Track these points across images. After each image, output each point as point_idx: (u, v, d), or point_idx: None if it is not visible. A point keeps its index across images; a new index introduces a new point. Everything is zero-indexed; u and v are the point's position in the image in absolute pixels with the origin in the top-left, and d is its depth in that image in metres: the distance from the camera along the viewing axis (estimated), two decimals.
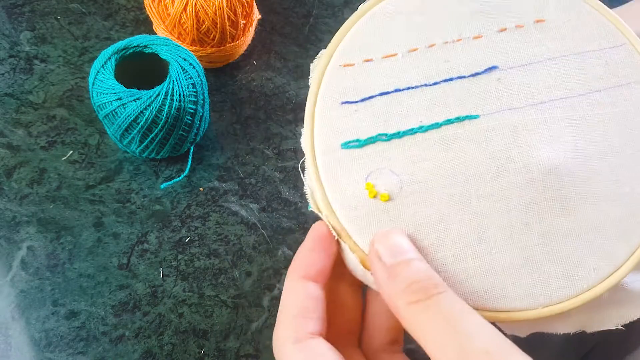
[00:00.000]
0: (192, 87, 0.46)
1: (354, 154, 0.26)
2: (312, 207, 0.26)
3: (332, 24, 0.64)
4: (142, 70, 0.48)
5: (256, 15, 0.58)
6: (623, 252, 0.25)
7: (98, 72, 0.45)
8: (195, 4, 0.50)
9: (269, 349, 0.42)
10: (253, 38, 0.59)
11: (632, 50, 0.28)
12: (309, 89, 0.28)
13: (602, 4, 0.29)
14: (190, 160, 0.50)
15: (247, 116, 0.55)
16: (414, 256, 0.22)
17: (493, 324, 0.21)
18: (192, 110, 0.47)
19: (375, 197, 0.25)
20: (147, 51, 0.47)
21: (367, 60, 0.28)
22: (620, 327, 0.26)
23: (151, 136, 0.46)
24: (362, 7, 0.29)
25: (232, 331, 0.43)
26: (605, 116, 0.26)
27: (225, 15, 0.52)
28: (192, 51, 0.53)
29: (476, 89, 0.26)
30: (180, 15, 0.51)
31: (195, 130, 0.49)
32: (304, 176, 0.27)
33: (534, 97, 0.26)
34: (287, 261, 0.47)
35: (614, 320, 0.26)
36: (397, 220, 0.24)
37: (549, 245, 0.24)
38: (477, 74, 0.27)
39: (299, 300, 0.23)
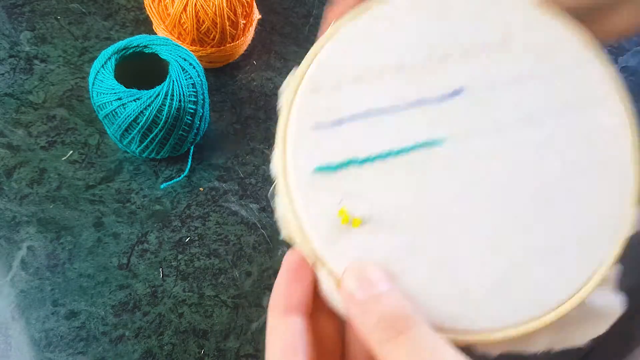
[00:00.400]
0: (192, 87, 0.46)
1: (326, 178, 0.26)
2: (284, 236, 0.26)
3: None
4: (142, 70, 0.48)
5: (256, 15, 0.58)
6: (585, 272, 0.26)
7: (98, 72, 0.45)
8: (195, 4, 0.50)
9: None
10: (253, 38, 0.59)
11: (599, 69, 0.29)
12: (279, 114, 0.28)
13: (569, 18, 0.29)
14: (190, 160, 0.50)
15: (247, 116, 0.55)
16: (384, 289, 0.22)
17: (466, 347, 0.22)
18: (192, 110, 0.47)
19: (348, 222, 0.25)
20: (147, 51, 0.47)
21: (337, 85, 0.28)
22: (584, 344, 0.27)
23: (151, 136, 0.46)
24: (330, 28, 0.29)
25: (232, 331, 0.43)
26: (570, 138, 0.27)
27: (225, 15, 0.52)
28: (192, 51, 0.53)
29: (444, 112, 0.27)
30: (180, 15, 0.51)
31: (195, 130, 0.49)
32: (274, 204, 0.27)
33: (499, 121, 0.27)
34: None
35: (577, 338, 0.27)
36: (370, 246, 0.25)
37: (516, 267, 0.25)
38: (445, 96, 0.27)
39: (284, 340, 0.23)
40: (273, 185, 0.26)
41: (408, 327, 0.20)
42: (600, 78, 0.28)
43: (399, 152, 0.26)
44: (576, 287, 0.25)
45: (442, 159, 0.26)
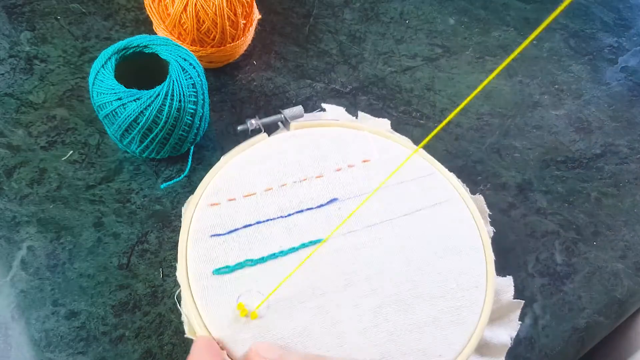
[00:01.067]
0: (192, 87, 0.46)
1: (224, 279, 0.30)
2: (188, 334, 0.29)
3: (332, 24, 0.64)
4: (142, 70, 0.48)
5: (256, 15, 0.58)
6: (461, 338, 0.29)
7: (98, 72, 0.45)
8: (195, 4, 0.50)
9: None
10: (253, 38, 0.59)
11: (440, 176, 0.36)
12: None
13: (413, 144, 0.38)
14: (190, 160, 0.50)
15: (247, 116, 0.55)
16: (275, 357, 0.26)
17: None
18: (192, 110, 0.47)
19: (246, 315, 0.28)
20: (147, 51, 0.47)
21: (231, 200, 0.33)
22: None
23: (151, 136, 0.46)
24: (222, 158, 0.36)
25: None
26: (426, 229, 0.33)
27: (225, 15, 0.52)
28: (192, 51, 0.53)
29: (322, 217, 0.32)
30: (180, 15, 0.51)
31: (195, 130, 0.49)
32: (180, 306, 0.31)
33: (368, 220, 0.33)
34: None
35: None
36: (267, 335, 0.28)
37: (398, 341, 0.29)
38: (321, 205, 0.33)
39: None
40: (178, 290, 0.30)
41: None
42: (442, 184, 0.35)
43: (287, 252, 0.31)
44: (455, 353, 0.29)
45: (324, 255, 0.31)
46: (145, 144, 0.47)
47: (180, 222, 0.47)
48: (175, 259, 0.46)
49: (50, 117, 0.52)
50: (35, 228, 0.45)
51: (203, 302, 0.29)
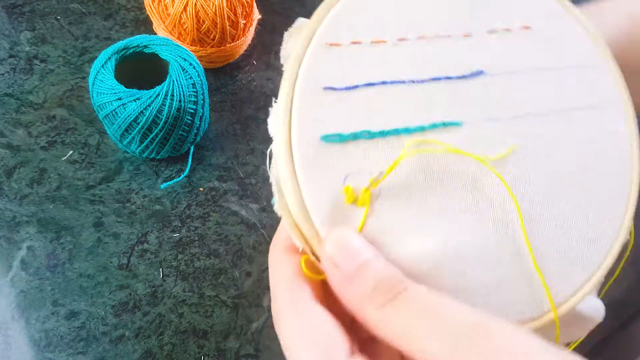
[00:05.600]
0: (192, 87, 0.46)
1: (333, 149, 0.24)
2: (278, 207, 0.23)
3: None
4: (142, 70, 0.48)
5: (256, 15, 0.58)
6: (580, 277, 0.25)
7: (98, 72, 0.45)
8: (195, 4, 0.50)
9: (269, 349, 0.42)
10: (253, 38, 0.59)
11: (608, 71, 0.29)
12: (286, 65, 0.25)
13: (586, 18, 0.29)
14: (190, 160, 0.50)
15: (247, 116, 0.55)
16: (371, 256, 0.20)
17: None
18: (192, 110, 0.47)
19: (353, 202, 0.23)
20: (147, 51, 0.47)
21: (355, 43, 0.25)
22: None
23: (151, 136, 0.46)
24: None
25: (232, 331, 0.43)
26: (577, 137, 0.27)
27: (225, 15, 0.52)
28: (192, 51, 0.53)
29: (462, 93, 0.26)
30: (180, 15, 0.51)
31: (195, 130, 0.49)
32: (270, 167, 0.24)
33: (515, 109, 0.26)
34: None
35: (561, 339, 0.27)
36: (373, 228, 0.23)
37: (518, 267, 0.24)
38: (464, 76, 0.26)
39: (289, 270, 0.22)
40: (272, 146, 0.23)
41: (405, 288, 0.19)
42: (612, 83, 0.28)
43: (413, 131, 0.24)
44: (571, 292, 0.25)
45: (458, 142, 0.25)
46: (145, 144, 0.47)
47: (180, 222, 0.47)
48: (176, 258, 0.46)
49: (50, 117, 0.52)
50: (35, 228, 0.45)
51: (304, 172, 0.23)
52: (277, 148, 0.23)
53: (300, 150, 0.23)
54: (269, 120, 0.24)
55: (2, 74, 0.54)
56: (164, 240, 0.46)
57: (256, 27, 0.59)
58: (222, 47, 0.55)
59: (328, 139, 0.23)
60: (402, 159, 0.23)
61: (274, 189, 0.23)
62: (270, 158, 0.23)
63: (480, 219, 0.24)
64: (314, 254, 0.22)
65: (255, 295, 0.45)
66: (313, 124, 0.24)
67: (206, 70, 0.56)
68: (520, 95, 0.26)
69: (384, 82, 0.25)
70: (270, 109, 0.24)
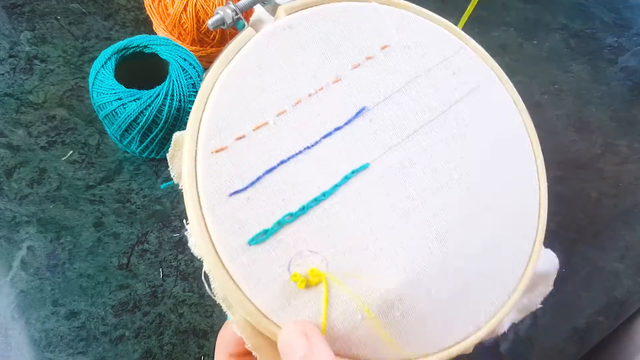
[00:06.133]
0: (192, 87, 0.46)
1: (265, 247, 0.23)
2: (234, 325, 0.22)
3: None
4: (142, 70, 0.48)
5: None
6: (528, 246, 0.26)
7: (98, 72, 0.45)
8: (195, 4, 0.50)
9: None
10: None
11: (470, 52, 0.29)
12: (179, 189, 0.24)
13: (431, 12, 0.29)
14: None
15: None
16: (302, 354, 0.20)
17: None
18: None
19: (306, 286, 0.23)
20: (147, 51, 0.47)
21: (239, 138, 0.24)
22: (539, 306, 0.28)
23: (151, 136, 0.46)
24: (204, 81, 0.26)
25: None
26: (471, 125, 0.27)
27: None
28: (192, 51, 0.53)
29: (355, 136, 0.25)
30: (180, 15, 0.51)
31: None
32: (211, 289, 0.23)
33: (407, 128, 0.26)
34: None
35: (533, 303, 0.27)
36: (336, 297, 0.23)
37: (469, 264, 0.25)
38: (350, 120, 0.26)
39: None
40: (204, 267, 0.23)
41: None
42: (478, 62, 0.28)
43: (329, 192, 0.24)
44: (524, 264, 0.26)
45: (371, 185, 0.25)
46: (145, 144, 0.47)
47: (180, 222, 0.47)
48: (176, 258, 0.46)
49: (50, 117, 0.52)
50: (35, 228, 0.45)
51: (248, 286, 0.22)
52: (211, 269, 0.22)
53: (235, 262, 0.22)
54: (189, 244, 0.23)
55: (2, 74, 0.54)
56: (164, 240, 0.46)
57: None
58: (222, 47, 0.55)
59: (255, 240, 0.23)
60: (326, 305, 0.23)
61: (224, 308, 0.23)
62: (208, 279, 0.23)
63: (427, 236, 0.25)
64: None
65: None
66: (234, 233, 0.23)
67: (206, 70, 0.56)
68: (405, 113, 0.26)
69: (282, 162, 0.24)
70: (185, 232, 0.23)
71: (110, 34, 0.59)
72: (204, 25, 0.52)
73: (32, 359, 0.40)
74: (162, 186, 0.49)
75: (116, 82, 0.45)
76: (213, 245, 0.23)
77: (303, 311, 0.22)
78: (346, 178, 0.25)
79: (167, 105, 0.44)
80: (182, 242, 0.47)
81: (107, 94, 0.44)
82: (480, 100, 0.28)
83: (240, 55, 0.26)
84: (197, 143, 0.24)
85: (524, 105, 0.29)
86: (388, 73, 0.27)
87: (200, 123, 0.25)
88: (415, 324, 0.24)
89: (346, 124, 0.26)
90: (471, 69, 0.28)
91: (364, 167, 0.25)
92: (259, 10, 0.27)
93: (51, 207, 0.47)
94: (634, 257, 0.52)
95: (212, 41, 0.54)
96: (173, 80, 0.45)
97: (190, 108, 0.47)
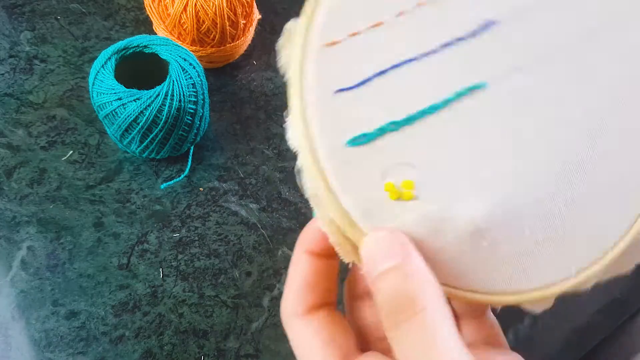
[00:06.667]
0: (192, 87, 0.46)
1: (363, 151, 0.22)
2: (320, 222, 0.22)
3: None
4: (142, 70, 0.48)
5: (256, 15, 0.58)
6: (637, 206, 0.24)
7: (98, 72, 0.45)
8: (195, 4, 0.50)
9: (269, 349, 0.42)
10: (253, 38, 0.59)
11: None
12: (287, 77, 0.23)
13: None
14: (190, 160, 0.50)
15: (247, 116, 0.55)
16: (394, 262, 0.19)
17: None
18: (192, 110, 0.47)
19: (398, 198, 0.22)
20: (147, 51, 0.47)
21: (353, 34, 0.23)
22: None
23: (151, 136, 0.46)
24: None
25: (232, 331, 0.43)
26: (606, 59, 0.24)
27: (225, 15, 0.52)
28: (192, 51, 0.53)
29: (478, 50, 0.23)
30: (180, 15, 0.51)
31: (195, 130, 0.49)
32: (302, 182, 0.23)
33: (537, 50, 0.24)
34: (287, 261, 0.47)
35: (625, 267, 0.25)
36: (425, 223, 0.22)
37: (572, 209, 0.23)
38: (475, 32, 0.24)
39: (303, 274, 0.22)
40: (298, 161, 0.22)
41: (415, 313, 0.18)
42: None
43: (439, 107, 0.23)
44: (630, 222, 0.23)
45: (488, 105, 0.23)
46: (145, 144, 0.47)
47: (180, 222, 0.47)
48: (176, 258, 0.46)
49: (50, 117, 0.52)
50: (35, 228, 0.45)
51: (339, 183, 0.22)
52: (305, 163, 0.22)
53: (330, 161, 0.22)
54: (288, 135, 0.23)
55: (2, 74, 0.54)
56: (164, 240, 0.46)
57: (256, 27, 0.59)
58: (222, 47, 0.55)
59: (354, 142, 0.23)
60: None
61: (312, 204, 0.22)
62: (300, 173, 0.23)
63: (536, 170, 0.23)
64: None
65: (255, 295, 0.45)
66: (335, 131, 0.23)
67: (206, 70, 0.56)
68: (537, 33, 0.24)
69: (394, 66, 0.23)
70: (284, 125, 0.23)
71: (110, 34, 0.59)
72: (204, 25, 0.52)
73: (32, 359, 0.40)
74: (162, 186, 0.49)
75: (116, 82, 0.45)
76: (311, 139, 0.22)
77: (389, 222, 0.22)
78: (459, 94, 0.23)
79: (167, 105, 0.44)
80: (182, 242, 0.47)
81: (107, 94, 0.44)
82: (625, 34, 0.24)
83: None
84: (309, 34, 0.24)
85: None
86: None
87: (315, 13, 0.24)
88: (501, 258, 0.22)
89: (470, 35, 0.24)
90: (630, 7, 0.25)
91: (481, 85, 0.23)
92: None
93: (51, 207, 0.47)
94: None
95: (212, 41, 0.54)
96: (173, 80, 0.45)
97: (191, 108, 0.47)
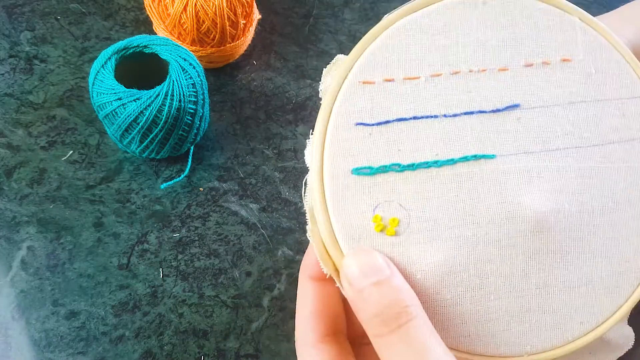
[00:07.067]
0: (192, 87, 0.46)
1: (363, 181, 0.25)
2: (310, 234, 0.24)
3: (332, 24, 0.64)
4: (142, 70, 0.48)
5: (256, 15, 0.58)
6: (608, 308, 0.25)
7: (98, 72, 0.45)
8: (195, 4, 0.50)
9: (269, 349, 0.42)
10: (253, 38, 0.59)
11: None
12: (320, 98, 0.26)
13: (629, 51, 0.29)
14: (190, 160, 0.50)
15: (247, 116, 0.55)
16: (383, 277, 0.20)
17: None
18: (192, 110, 0.47)
19: (381, 231, 0.24)
20: (147, 51, 0.47)
21: (388, 80, 0.26)
22: None
23: (151, 136, 0.46)
24: (385, 19, 0.27)
25: (232, 331, 0.43)
26: (615, 170, 0.26)
27: (225, 15, 0.52)
28: (192, 51, 0.53)
29: (495, 126, 0.26)
30: (180, 15, 0.51)
31: (195, 130, 0.49)
32: (305, 194, 0.25)
33: (550, 143, 0.26)
34: (287, 261, 0.47)
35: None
36: (401, 257, 0.23)
37: (544, 296, 0.25)
38: (498, 110, 0.26)
39: (310, 302, 0.23)
40: (306, 175, 0.25)
41: (405, 322, 0.19)
42: None
43: (443, 163, 0.25)
44: (597, 323, 0.25)
45: (488, 175, 0.25)
46: (145, 144, 0.47)
47: (180, 222, 0.47)
48: (176, 258, 0.46)
49: (50, 117, 0.52)
50: (35, 228, 0.45)
51: (335, 203, 0.24)
52: (311, 179, 0.24)
53: (332, 182, 0.24)
54: (306, 151, 0.25)
55: (2, 74, 0.54)
56: (164, 240, 0.46)
57: (256, 27, 0.59)
58: (222, 47, 0.55)
59: (358, 171, 0.24)
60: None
61: (307, 216, 0.25)
62: (305, 187, 0.25)
63: (511, 251, 0.24)
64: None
65: (255, 295, 0.45)
66: (345, 157, 0.25)
67: (206, 70, 0.56)
68: (555, 128, 0.26)
69: (415, 117, 0.25)
70: (307, 140, 0.25)
71: (110, 34, 0.59)
72: (204, 25, 0.52)
73: (32, 359, 0.40)
74: (162, 186, 0.49)
75: (116, 82, 0.45)
76: (323, 159, 0.25)
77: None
78: (466, 158, 0.25)
79: (167, 105, 0.44)
80: (182, 242, 0.47)
81: (107, 94, 0.44)
82: (632, 152, 0.27)
83: (425, 10, 0.27)
84: (351, 68, 0.26)
85: None
86: (556, 85, 0.27)
87: (363, 53, 0.26)
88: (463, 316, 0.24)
89: (493, 111, 0.26)
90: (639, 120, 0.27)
91: (490, 156, 0.25)
92: None
93: (51, 207, 0.47)
94: None
95: (212, 41, 0.54)
96: (173, 80, 0.45)
97: (191, 108, 0.47)
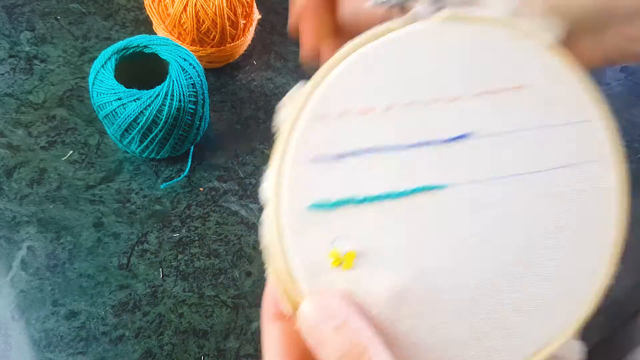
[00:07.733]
0: (192, 87, 0.46)
1: (320, 216, 0.25)
2: (268, 268, 0.25)
3: None
4: (142, 70, 0.48)
5: (256, 15, 0.58)
6: (558, 327, 0.26)
7: (98, 72, 0.45)
8: (195, 4, 0.50)
9: None
10: (253, 38, 0.59)
11: (598, 127, 0.29)
12: (278, 135, 0.26)
13: (583, 74, 0.29)
14: (190, 160, 0.50)
15: (247, 116, 0.55)
16: (341, 320, 0.21)
17: None
18: (192, 110, 0.47)
19: (339, 265, 0.24)
20: (147, 51, 0.47)
21: (343, 114, 0.27)
22: None
23: (151, 136, 0.46)
24: (341, 51, 0.27)
25: (232, 331, 0.43)
26: (560, 195, 0.28)
27: (225, 15, 0.52)
28: (192, 51, 0.53)
29: (447, 156, 0.27)
30: (180, 15, 0.51)
31: (195, 130, 0.49)
32: (261, 233, 0.26)
33: (500, 170, 0.27)
34: None
35: None
36: (358, 291, 0.24)
37: (493, 321, 0.26)
38: (450, 140, 0.27)
39: (276, 341, 0.23)
40: (263, 213, 0.25)
41: None
42: (603, 138, 0.29)
43: (398, 195, 0.26)
44: (550, 340, 0.26)
45: (441, 205, 0.26)
46: (145, 144, 0.47)
47: (180, 222, 0.47)
48: (176, 258, 0.46)
49: (50, 117, 0.52)
50: (35, 228, 0.45)
51: (291, 239, 0.24)
52: (267, 216, 0.25)
53: (288, 218, 0.25)
54: (262, 187, 0.26)
55: (2, 74, 0.54)
56: (164, 240, 0.46)
57: (256, 27, 0.59)
58: (222, 47, 0.55)
59: (315, 207, 0.25)
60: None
61: (265, 254, 0.25)
62: (262, 224, 0.25)
63: (460, 278, 0.25)
64: None
65: (255, 295, 0.45)
66: (301, 192, 0.25)
67: (206, 70, 0.56)
68: (505, 156, 0.27)
69: (369, 150, 0.26)
70: (264, 174, 0.25)
71: (110, 34, 0.59)
72: (204, 25, 0.52)
73: (32, 359, 0.40)
74: (162, 186, 0.49)
75: (116, 82, 0.45)
76: (279, 195, 0.25)
77: (324, 287, 0.24)
78: (417, 190, 0.26)
79: (167, 105, 0.44)
80: (182, 242, 0.47)
81: (107, 94, 0.44)
82: (584, 176, 0.28)
83: (383, 40, 0.27)
84: (306, 102, 0.27)
85: (627, 190, 0.29)
86: (508, 112, 0.28)
87: (319, 85, 0.27)
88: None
89: (444, 141, 0.27)
90: (590, 144, 0.28)
91: (441, 187, 0.26)
92: (421, 7, 0.28)
93: (51, 207, 0.47)
94: (634, 257, 0.52)
95: (212, 41, 0.54)
96: (173, 80, 0.45)
97: (191, 108, 0.47)
